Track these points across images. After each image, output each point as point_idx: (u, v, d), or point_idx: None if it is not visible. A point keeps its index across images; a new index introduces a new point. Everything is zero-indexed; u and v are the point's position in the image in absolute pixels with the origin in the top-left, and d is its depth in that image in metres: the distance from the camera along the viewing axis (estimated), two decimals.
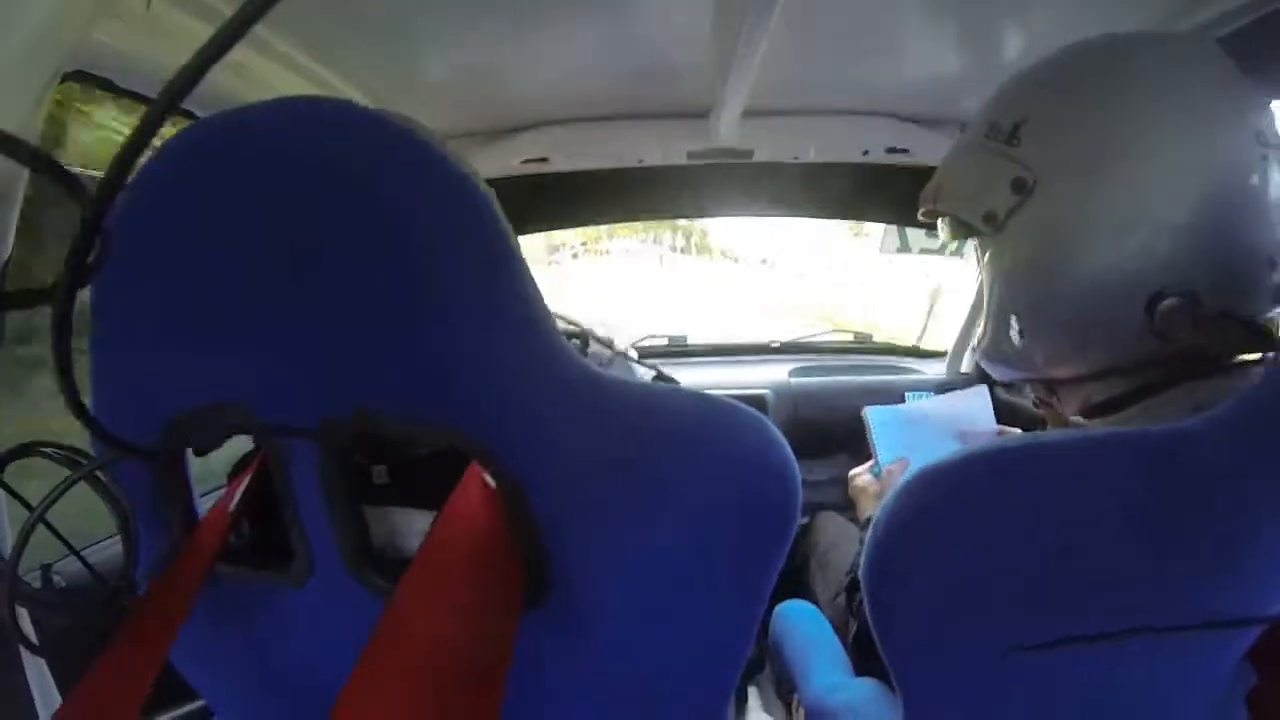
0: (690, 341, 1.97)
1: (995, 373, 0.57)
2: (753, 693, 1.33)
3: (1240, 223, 0.44)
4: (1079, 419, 0.53)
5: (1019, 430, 0.97)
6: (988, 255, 0.54)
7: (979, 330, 0.58)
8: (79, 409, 0.24)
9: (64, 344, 0.22)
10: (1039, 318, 0.50)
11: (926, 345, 1.90)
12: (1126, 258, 0.45)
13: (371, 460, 0.40)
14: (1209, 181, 0.43)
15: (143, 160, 0.30)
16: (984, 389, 1.04)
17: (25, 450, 0.32)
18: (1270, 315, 0.46)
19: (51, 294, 0.20)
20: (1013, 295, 0.52)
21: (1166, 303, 0.44)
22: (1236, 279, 0.44)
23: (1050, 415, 0.57)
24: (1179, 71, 0.45)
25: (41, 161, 0.18)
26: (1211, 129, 0.44)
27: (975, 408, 1.02)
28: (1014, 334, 0.52)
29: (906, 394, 1.59)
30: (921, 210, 0.59)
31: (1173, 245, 0.44)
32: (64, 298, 0.20)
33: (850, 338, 1.96)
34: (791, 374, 1.67)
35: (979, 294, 1.70)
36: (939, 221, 0.59)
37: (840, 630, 1.04)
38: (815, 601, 1.13)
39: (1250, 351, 0.46)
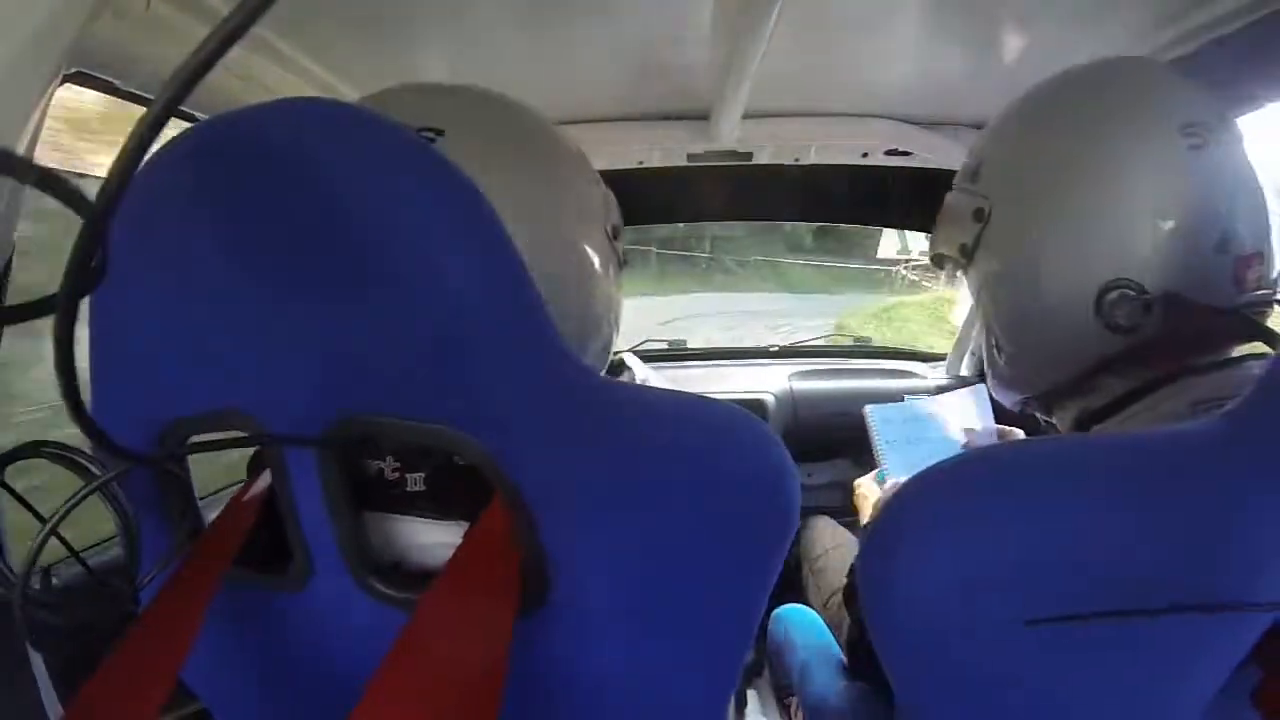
0: (690, 346, 1.97)
1: (1000, 398, 0.62)
2: (752, 696, 1.32)
3: (1173, 213, 0.48)
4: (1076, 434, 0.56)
5: (1020, 430, 0.98)
6: (970, 285, 0.60)
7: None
8: (85, 421, 0.24)
9: (67, 355, 0.21)
10: (1011, 332, 0.56)
11: (926, 349, 1.90)
12: (1070, 261, 0.50)
13: (407, 468, 0.39)
14: (1134, 182, 0.48)
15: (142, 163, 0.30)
16: (982, 387, 1.05)
17: (27, 450, 0.32)
18: (1248, 300, 0.49)
19: (53, 304, 0.20)
20: (989, 316, 0.58)
21: (1111, 294, 0.48)
22: (1181, 265, 0.48)
23: (1053, 432, 0.60)
24: (1102, 94, 0.52)
25: (37, 174, 0.18)
26: (1132, 138, 0.49)
27: (974, 405, 1.04)
28: (997, 354, 0.58)
29: (906, 398, 1.59)
30: (930, 256, 0.66)
31: (1110, 243, 0.49)
32: (66, 307, 0.20)
33: (850, 341, 1.96)
34: (791, 378, 1.66)
35: (975, 330, 1.70)
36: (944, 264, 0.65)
37: (836, 634, 1.04)
38: (809, 605, 1.13)
39: (1228, 338, 0.49)
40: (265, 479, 0.39)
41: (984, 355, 0.61)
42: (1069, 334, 0.51)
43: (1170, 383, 0.48)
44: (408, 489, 0.39)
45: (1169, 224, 0.48)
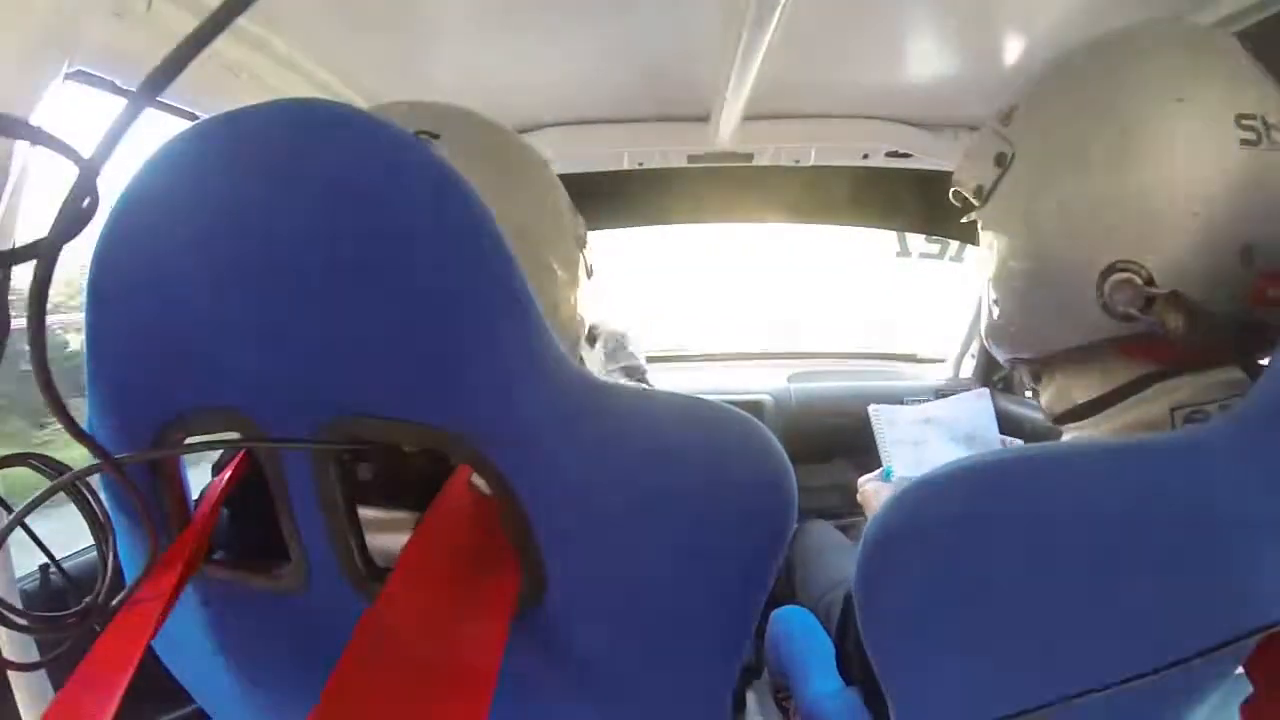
0: (689, 346, 1.98)
1: (992, 350, 0.60)
2: (751, 697, 1.32)
3: (1203, 208, 0.44)
4: (1059, 428, 0.54)
5: (1020, 441, 0.98)
6: (981, 232, 0.57)
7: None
8: (52, 396, 0.23)
9: (41, 306, 0.21)
10: (1008, 289, 0.53)
11: (925, 352, 1.90)
12: (1082, 231, 0.47)
13: (356, 458, 0.39)
14: (1168, 164, 0.44)
15: (140, 160, 0.30)
16: (985, 393, 1.06)
17: (13, 460, 0.32)
18: (1260, 319, 0.44)
19: (37, 249, 0.20)
20: (991, 268, 0.55)
21: (1115, 276, 0.45)
22: (1197, 266, 0.44)
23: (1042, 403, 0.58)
24: (1155, 60, 0.47)
25: (33, 130, 0.18)
26: (1176, 116, 0.44)
27: (978, 411, 1.05)
28: (994, 305, 0.56)
29: (905, 400, 1.59)
30: (950, 192, 0.62)
31: (1127, 222, 0.45)
32: (52, 247, 0.20)
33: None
34: (790, 379, 1.67)
35: (979, 300, 1.71)
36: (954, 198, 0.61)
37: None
38: (800, 606, 1.13)
39: (1226, 351, 0.45)
40: (231, 472, 0.39)
41: (983, 300, 0.58)
42: (1064, 306, 0.49)
43: (1147, 385, 0.47)
44: (358, 478, 0.38)
45: (1196, 219, 0.44)
